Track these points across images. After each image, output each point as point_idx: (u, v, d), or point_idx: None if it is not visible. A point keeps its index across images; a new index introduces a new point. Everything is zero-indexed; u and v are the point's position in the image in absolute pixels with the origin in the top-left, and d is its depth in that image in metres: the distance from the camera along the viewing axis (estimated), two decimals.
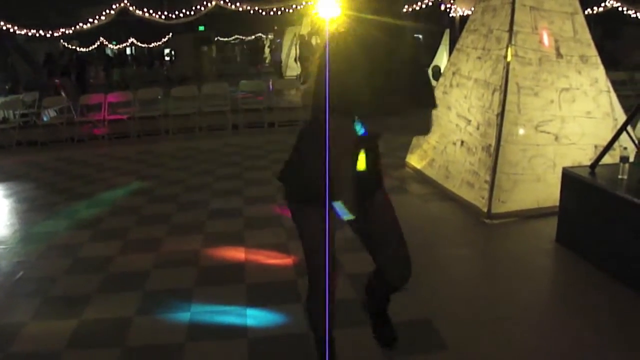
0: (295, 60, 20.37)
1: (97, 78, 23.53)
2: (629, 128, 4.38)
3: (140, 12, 15.92)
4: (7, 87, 15.44)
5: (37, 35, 15.93)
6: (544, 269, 4.25)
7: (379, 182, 2.62)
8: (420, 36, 31.61)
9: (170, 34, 27.47)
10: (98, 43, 28.43)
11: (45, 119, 11.43)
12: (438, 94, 6.39)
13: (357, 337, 3.15)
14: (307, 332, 3.28)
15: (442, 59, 14.26)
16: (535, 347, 3.12)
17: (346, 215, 2.31)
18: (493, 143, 5.07)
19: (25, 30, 15.54)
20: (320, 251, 2.42)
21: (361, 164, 2.37)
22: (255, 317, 3.54)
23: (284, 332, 3.36)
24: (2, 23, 14.44)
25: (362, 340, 3.11)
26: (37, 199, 6.64)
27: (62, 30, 16.51)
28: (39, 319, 3.68)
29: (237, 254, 4.58)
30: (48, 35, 16.14)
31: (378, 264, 2.74)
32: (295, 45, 20.28)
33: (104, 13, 15.71)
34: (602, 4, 18.31)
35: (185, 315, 3.60)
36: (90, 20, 15.89)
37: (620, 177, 3.97)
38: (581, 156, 5.14)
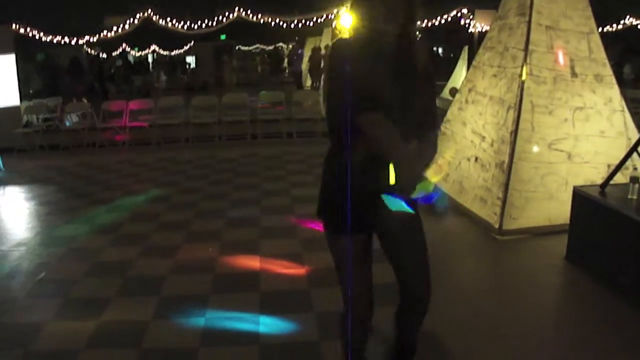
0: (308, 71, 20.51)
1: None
2: None
3: (163, 22, 16.16)
4: (30, 91, 15.69)
5: (62, 42, 16.22)
6: (553, 286, 4.29)
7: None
8: (441, 49, 31.71)
9: (192, 42, 27.74)
10: (120, 50, 28.80)
11: (67, 124, 11.61)
12: (454, 110, 6.47)
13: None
14: (317, 340, 3.38)
15: (460, 74, 14.30)
16: None
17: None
18: (506, 160, 5.13)
19: (50, 37, 15.83)
20: (355, 278, 2.43)
21: (392, 177, 2.23)
22: (267, 324, 3.63)
23: (295, 339, 3.45)
24: (28, 29, 14.73)
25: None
26: (58, 203, 6.79)
27: (86, 37, 16.80)
28: (59, 319, 3.80)
29: (252, 262, 4.68)
30: (73, 43, 16.43)
31: (399, 282, 2.61)
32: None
33: (127, 22, 15.95)
34: (622, 22, 18.25)
35: (200, 320, 3.70)
36: (115, 28, 16.16)
37: (630, 197, 4.01)
38: (594, 175, 5.18)
